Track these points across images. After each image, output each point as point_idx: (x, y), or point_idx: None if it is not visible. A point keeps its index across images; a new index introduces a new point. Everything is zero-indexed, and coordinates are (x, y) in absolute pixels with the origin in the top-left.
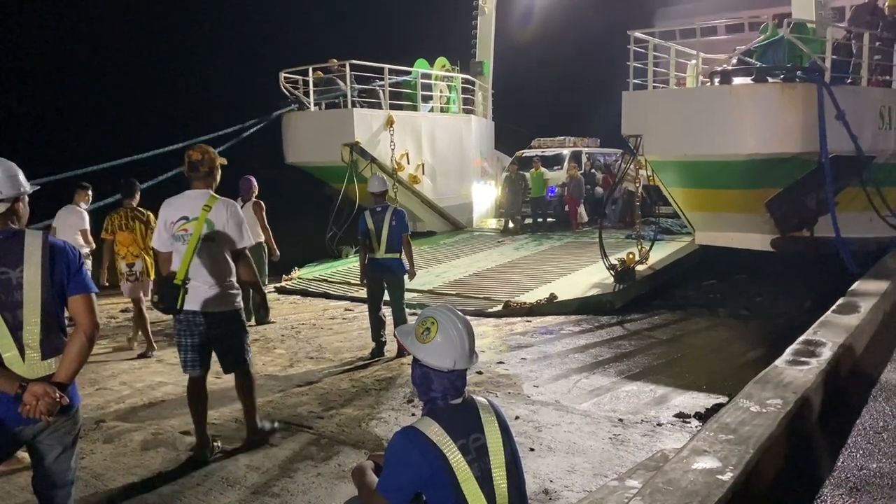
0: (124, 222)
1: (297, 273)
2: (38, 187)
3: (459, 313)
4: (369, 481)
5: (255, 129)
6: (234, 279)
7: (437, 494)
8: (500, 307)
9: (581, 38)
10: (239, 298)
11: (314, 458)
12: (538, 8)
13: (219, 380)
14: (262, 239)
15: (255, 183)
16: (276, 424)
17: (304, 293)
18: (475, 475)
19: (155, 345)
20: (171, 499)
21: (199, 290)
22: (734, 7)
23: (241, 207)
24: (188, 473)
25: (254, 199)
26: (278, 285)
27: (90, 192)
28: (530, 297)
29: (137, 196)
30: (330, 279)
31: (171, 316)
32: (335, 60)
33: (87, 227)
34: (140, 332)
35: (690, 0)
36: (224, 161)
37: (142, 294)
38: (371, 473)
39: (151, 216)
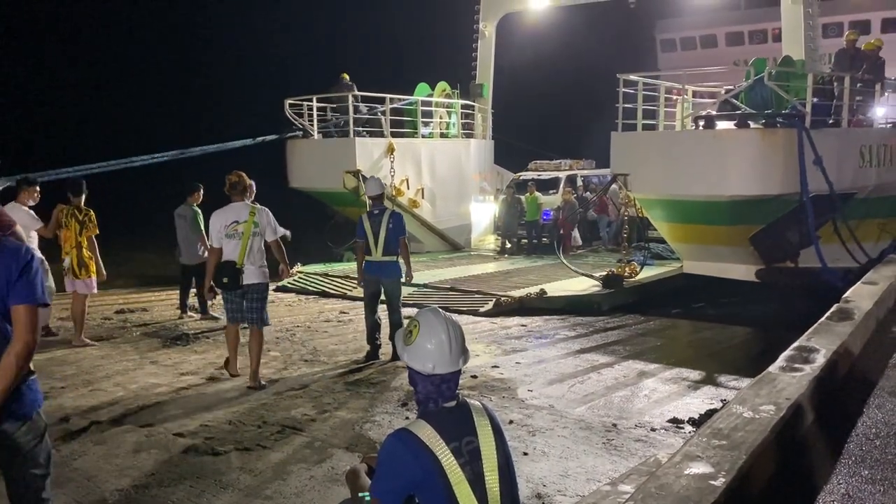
0: (64, 220)
1: (297, 268)
2: (10, 184)
3: (448, 316)
4: (362, 484)
5: (242, 142)
6: (265, 261)
7: (430, 497)
8: (491, 303)
9: (582, 51)
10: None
11: (307, 461)
12: (539, 25)
13: (213, 382)
14: None
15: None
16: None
17: (303, 291)
18: (467, 478)
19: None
20: (163, 500)
21: (250, 270)
22: (732, 20)
23: None
24: (181, 475)
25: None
26: (279, 284)
27: (38, 190)
28: (520, 294)
29: (83, 195)
30: (329, 273)
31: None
32: (346, 75)
33: (41, 224)
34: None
35: (689, 13)
36: (252, 183)
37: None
38: (364, 476)
39: (91, 214)
